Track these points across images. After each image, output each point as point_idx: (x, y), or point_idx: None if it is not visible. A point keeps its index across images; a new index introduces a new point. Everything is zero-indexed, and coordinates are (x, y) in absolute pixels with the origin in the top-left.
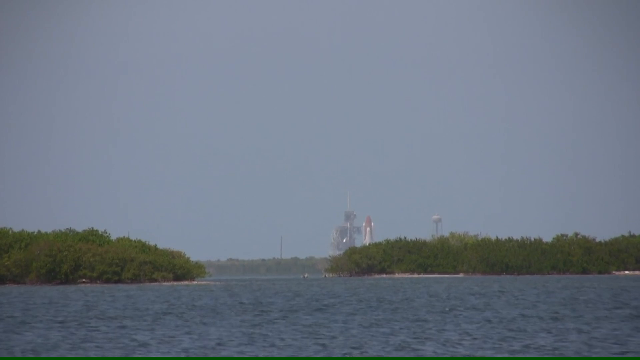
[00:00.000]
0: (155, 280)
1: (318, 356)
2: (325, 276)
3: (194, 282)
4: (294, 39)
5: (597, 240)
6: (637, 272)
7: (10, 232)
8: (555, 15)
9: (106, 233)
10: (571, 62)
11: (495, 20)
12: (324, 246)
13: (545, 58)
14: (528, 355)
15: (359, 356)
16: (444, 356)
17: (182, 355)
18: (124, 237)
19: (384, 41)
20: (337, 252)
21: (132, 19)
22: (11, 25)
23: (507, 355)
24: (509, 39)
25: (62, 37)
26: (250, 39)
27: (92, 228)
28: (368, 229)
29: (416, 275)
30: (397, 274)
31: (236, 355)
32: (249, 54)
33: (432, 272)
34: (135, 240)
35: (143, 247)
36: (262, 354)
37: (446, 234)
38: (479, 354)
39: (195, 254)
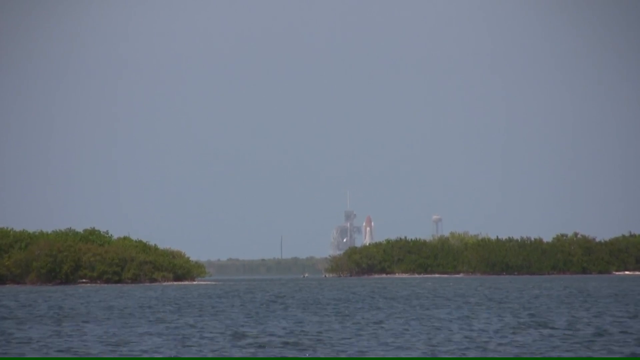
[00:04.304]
0: (155, 280)
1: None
2: (325, 276)
3: (194, 282)
4: (293, 39)
5: (597, 240)
6: (637, 272)
7: (10, 232)
8: (555, 15)
9: (107, 233)
10: (571, 62)
11: (495, 20)
12: (324, 246)
13: (545, 58)
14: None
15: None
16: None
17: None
18: (124, 236)
19: (383, 41)
20: (337, 252)
21: (132, 19)
22: (11, 25)
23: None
24: (509, 39)
25: (62, 37)
26: (250, 39)
27: (93, 228)
28: (368, 228)
29: (416, 275)
30: (397, 274)
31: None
32: (248, 54)
33: (432, 272)
34: (136, 240)
35: (143, 247)
36: None
37: (446, 234)
38: None
39: (195, 254)
